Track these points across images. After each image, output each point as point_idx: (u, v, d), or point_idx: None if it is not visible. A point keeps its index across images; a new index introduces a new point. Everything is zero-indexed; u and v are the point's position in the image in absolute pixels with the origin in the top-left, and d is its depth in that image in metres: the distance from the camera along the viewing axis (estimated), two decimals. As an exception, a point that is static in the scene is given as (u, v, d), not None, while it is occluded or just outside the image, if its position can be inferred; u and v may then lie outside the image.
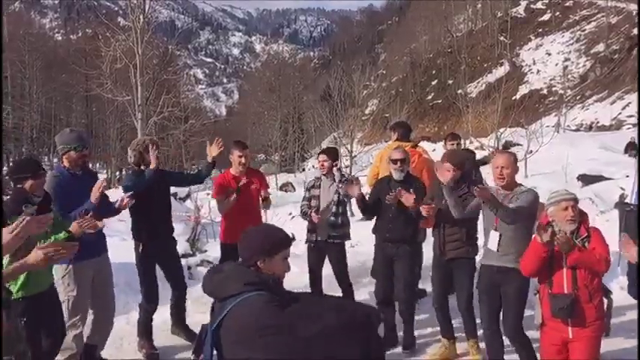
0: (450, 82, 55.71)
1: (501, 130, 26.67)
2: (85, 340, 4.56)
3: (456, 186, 4.70)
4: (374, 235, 5.41)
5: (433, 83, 62.20)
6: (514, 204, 4.24)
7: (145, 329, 5.15)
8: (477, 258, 4.88)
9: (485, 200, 4.25)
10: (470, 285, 4.86)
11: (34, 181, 3.81)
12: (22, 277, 3.65)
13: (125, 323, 5.32)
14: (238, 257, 5.40)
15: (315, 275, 5.67)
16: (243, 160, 5.47)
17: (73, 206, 4.26)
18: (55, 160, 45.63)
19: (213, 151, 5.39)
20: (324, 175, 5.67)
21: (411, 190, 4.94)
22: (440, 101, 55.47)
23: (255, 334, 2.16)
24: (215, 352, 2.28)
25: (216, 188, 5.61)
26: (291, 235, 2.58)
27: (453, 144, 6.61)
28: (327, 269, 5.69)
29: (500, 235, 4.33)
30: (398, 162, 5.14)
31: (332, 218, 5.51)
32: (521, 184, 4.44)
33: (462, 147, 7.06)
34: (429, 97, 60.19)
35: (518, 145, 28.79)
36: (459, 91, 41.84)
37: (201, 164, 5.46)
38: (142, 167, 5.00)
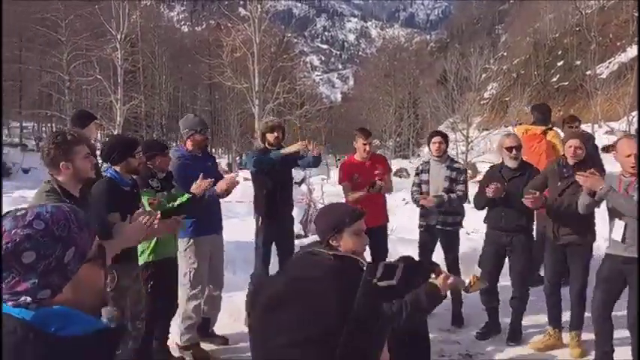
0: (578, 62, 52.20)
1: (633, 113, 24.71)
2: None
3: (578, 168, 4.41)
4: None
5: (559, 64, 58.61)
6: None
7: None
8: (595, 245, 4.65)
9: (591, 191, 4.05)
10: (585, 274, 4.59)
11: (162, 158, 4.26)
12: (152, 243, 4.10)
13: (244, 298, 5.62)
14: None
15: (425, 259, 5.55)
16: (367, 147, 5.55)
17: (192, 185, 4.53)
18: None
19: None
20: (435, 158, 5.54)
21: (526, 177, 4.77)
22: (566, 83, 52.24)
23: None
24: None
25: (342, 174, 5.70)
26: (358, 211, 2.65)
27: (571, 126, 6.30)
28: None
29: (626, 225, 4.05)
30: (513, 149, 4.95)
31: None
32: None
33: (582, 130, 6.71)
34: (554, 79, 56.85)
35: (653, 129, 26.53)
36: (588, 72, 39.11)
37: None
38: (267, 147, 5.24)
